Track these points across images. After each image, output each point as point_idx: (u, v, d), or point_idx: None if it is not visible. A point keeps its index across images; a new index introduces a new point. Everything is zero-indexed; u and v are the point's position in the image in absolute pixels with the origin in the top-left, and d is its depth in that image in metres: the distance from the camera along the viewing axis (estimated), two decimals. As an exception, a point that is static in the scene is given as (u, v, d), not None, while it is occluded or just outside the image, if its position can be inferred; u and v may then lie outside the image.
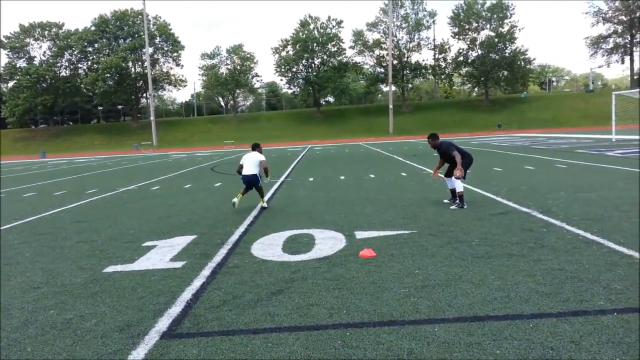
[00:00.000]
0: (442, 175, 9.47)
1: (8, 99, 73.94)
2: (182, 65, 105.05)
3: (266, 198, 10.35)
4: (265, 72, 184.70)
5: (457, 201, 8.51)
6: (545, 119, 63.28)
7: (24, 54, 75.35)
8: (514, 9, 73.03)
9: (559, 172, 13.34)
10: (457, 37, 74.82)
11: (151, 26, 73.42)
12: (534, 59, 75.64)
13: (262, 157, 9.43)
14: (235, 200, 9.13)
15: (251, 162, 9.28)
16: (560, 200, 8.67)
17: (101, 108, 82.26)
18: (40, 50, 76.74)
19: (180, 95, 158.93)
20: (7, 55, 74.63)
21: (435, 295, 4.20)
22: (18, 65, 74.76)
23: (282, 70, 75.60)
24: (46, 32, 75.54)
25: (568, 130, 50.56)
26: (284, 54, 75.22)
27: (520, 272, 4.73)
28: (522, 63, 73.34)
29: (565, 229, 6.44)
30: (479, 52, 73.81)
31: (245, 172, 9.27)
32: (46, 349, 3.52)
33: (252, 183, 9.26)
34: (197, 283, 4.88)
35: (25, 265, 5.98)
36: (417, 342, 3.33)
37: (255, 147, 9.74)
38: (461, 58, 75.16)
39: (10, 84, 75.82)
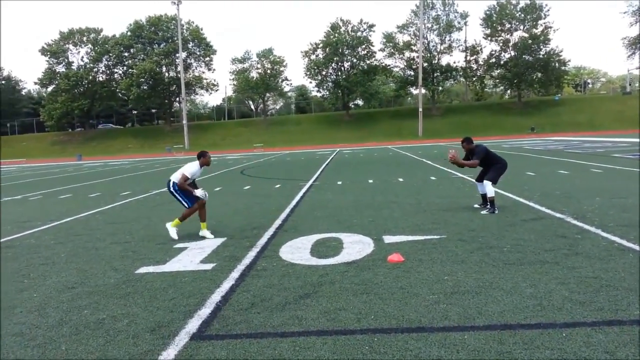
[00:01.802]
0: (474, 180, 9.32)
1: (47, 103, 76.53)
2: (214, 70, 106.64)
3: (293, 203, 10.31)
4: (295, 75, 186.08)
5: (488, 206, 8.36)
6: (580, 122, 61.58)
7: (63, 59, 77.88)
8: (548, 10, 71.26)
9: (594, 176, 12.96)
10: (489, 38, 73.61)
11: (184, 31, 74.80)
12: (569, 61, 73.85)
13: (186, 169, 7.33)
14: (169, 228, 7.44)
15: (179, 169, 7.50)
16: (595, 205, 8.43)
17: (135, 112, 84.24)
18: (78, 55, 79.20)
19: (212, 99, 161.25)
20: (47, 61, 77.33)
21: (465, 302, 4.14)
22: (57, 70, 77.35)
23: (312, 73, 75.89)
24: (84, 38, 77.92)
25: (604, 133, 49.09)
26: (313, 57, 75.49)
27: (553, 279, 4.62)
28: (557, 65, 71.56)
29: (601, 235, 6.25)
30: (512, 53, 72.45)
31: None
32: (80, 348, 3.61)
33: (169, 192, 7.56)
34: (226, 285, 4.94)
35: (60, 265, 6.16)
36: (446, 349, 3.28)
37: (199, 157, 7.56)
38: (493, 60, 73.92)
39: (50, 88, 78.50)
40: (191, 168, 7.31)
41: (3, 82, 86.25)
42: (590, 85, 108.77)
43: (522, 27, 71.95)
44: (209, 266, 5.70)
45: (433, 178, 14.61)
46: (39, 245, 7.47)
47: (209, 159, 7.53)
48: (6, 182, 23.28)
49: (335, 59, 74.61)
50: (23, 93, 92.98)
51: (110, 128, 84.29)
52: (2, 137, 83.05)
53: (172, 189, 7.38)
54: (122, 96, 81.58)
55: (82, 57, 78.69)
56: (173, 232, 7.38)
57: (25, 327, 4.10)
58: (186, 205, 7.35)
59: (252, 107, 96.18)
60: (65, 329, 4.01)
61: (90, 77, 77.35)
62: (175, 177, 7.33)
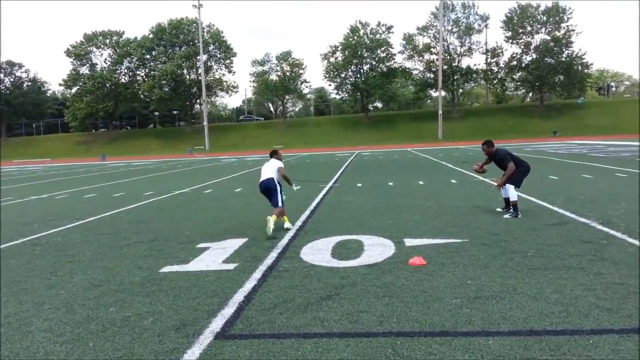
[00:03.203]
0: (495, 184, 9.22)
1: (70, 104, 77.96)
2: (234, 72, 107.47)
3: (313, 205, 10.36)
4: (314, 77, 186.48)
5: (511, 210, 8.27)
6: (604, 126, 60.36)
7: (87, 61, 79.31)
8: (571, 12, 70.03)
9: (620, 181, 12.71)
10: (510, 41, 72.72)
11: (205, 34, 75.53)
12: (592, 64, 72.50)
13: (280, 164, 8.28)
14: (270, 222, 7.31)
15: (268, 169, 8.20)
16: (621, 210, 8.27)
17: (157, 114, 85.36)
18: (101, 57, 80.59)
19: (232, 101, 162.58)
20: (72, 62, 78.85)
21: (489, 307, 4.11)
22: (81, 72, 78.83)
23: (331, 76, 75.92)
24: (107, 40, 79.26)
25: (629, 137, 48.04)
26: (332, 60, 75.46)
27: (579, 285, 4.56)
28: (579, 68, 70.40)
29: (627, 241, 6.14)
30: (534, 56, 71.47)
31: (261, 179, 8.18)
32: (107, 345, 3.68)
33: (269, 188, 8.02)
34: (248, 285, 4.98)
35: (86, 263, 6.28)
36: (470, 354, 3.26)
37: (273, 154, 8.56)
38: (514, 62, 73.00)
39: (74, 90, 79.98)
40: (281, 163, 8.33)
41: (29, 83, 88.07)
42: (614, 89, 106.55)
43: (543, 30, 70.96)
44: (231, 266, 5.75)
45: (454, 181, 14.50)
46: (65, 244, 7.62)
47: (280, 155, 8.62)
48: (33, 181, 23.81)
49: (354, 61, 74.43)
50: (48, 94, 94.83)
51: (253, 121, 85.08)
52: (28, 137, 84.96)
53: (276, 184, 8.04)
54: (144, 98, 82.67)
55: (105, 59, 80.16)
56: (271, 226, 7.29)
57: (53, 323, 4.19)
58: (281, 201, 7.96)
59: (272, 109, 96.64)
60: (92, 325, 4.09)
61: (114, 79, 78.67)
62: (275, 175, 8.10)
